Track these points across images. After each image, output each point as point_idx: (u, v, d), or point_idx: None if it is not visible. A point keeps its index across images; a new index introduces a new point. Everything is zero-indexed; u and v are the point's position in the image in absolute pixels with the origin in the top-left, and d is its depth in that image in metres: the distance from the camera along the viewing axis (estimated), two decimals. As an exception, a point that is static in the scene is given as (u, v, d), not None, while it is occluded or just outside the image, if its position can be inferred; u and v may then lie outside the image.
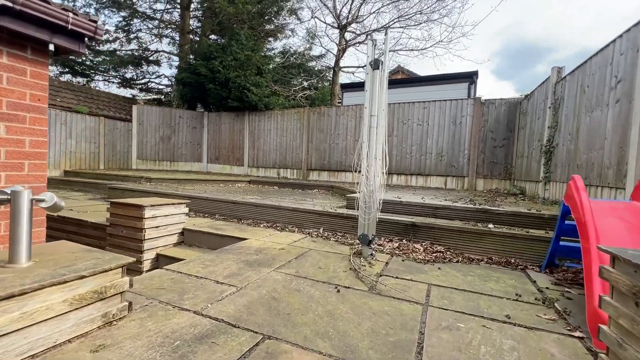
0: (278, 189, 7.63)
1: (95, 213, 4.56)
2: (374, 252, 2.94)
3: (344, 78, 13.82)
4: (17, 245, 1.43)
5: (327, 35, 16.54)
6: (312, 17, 12.85)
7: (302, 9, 13.98)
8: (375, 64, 2.79)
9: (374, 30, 11.84)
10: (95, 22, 2.33)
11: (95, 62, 14.18)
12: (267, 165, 10.34)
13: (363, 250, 2.90)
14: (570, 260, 2.86)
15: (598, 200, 2.72)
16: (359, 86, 12.61)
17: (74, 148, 8.98)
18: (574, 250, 2.69)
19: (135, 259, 1.83)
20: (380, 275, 2.47)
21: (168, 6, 14.34)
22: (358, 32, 12.37)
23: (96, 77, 14.82)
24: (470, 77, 10.84)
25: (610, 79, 3.64)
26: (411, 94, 10.73)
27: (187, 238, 3.83)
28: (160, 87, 16.15)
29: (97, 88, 13.79)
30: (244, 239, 3.43)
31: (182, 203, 3.83)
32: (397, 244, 3.38)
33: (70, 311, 1.38)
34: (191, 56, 13.00)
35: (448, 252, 3.21)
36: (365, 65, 2.91)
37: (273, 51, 14.84)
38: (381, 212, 3.12)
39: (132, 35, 14.63)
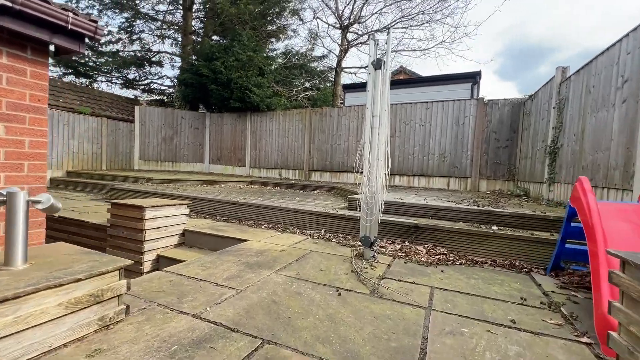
0: (280, 190, 7.60)
1: (97, 214, 4.55)
2: (375, 254, 2.90)
3: (346, 78, 13.77)
4: (13, 247, 1.41)
5: (329, 36, 16.45)
6: (314, 18, 12.79)
7: (304, 9, 13.97)
8: (378, 64, 2.75)
9: (376, 31, 11.79)
10: (96, 22, 2.32)
11: (98, 63, 14.23)
12: (268, 166, 10.32)
13: (365, 252, 2.86)
14: (576, 263, 2.81)
15: (605, 202, 2.67)
16: (361, 87, 12.59)
17: (76, 149, 8.99)
18: (579, 253, 2.64)
19: (133, 261, 1.81)
20: (382, 278, 2.43)
21: (170, 7, 14.38)
22: (360, 32, 12.32)
23: (99, 78, 14.87)
24: (473, 78, 10.80)
25: (616, 79, 3.58)
26: (413, 94, 10.71)
27: (187, 239, 3.81)
28: (163, 88, 16.19)
29: (99, 89, 13.85)
30: (245, 240, 3.40)
31: (183, 204, 3.81)
32: (399, 246, 3.34)
33: (65, 315, 1.35)
34: (193, 57, 13.01)
35: (451, 255, 3.16)
36: (367, 66, 2.88)
37: (275, 52, 14.82)
38: (383, 213, 3.08)
39: (134, 37, 14.68)
